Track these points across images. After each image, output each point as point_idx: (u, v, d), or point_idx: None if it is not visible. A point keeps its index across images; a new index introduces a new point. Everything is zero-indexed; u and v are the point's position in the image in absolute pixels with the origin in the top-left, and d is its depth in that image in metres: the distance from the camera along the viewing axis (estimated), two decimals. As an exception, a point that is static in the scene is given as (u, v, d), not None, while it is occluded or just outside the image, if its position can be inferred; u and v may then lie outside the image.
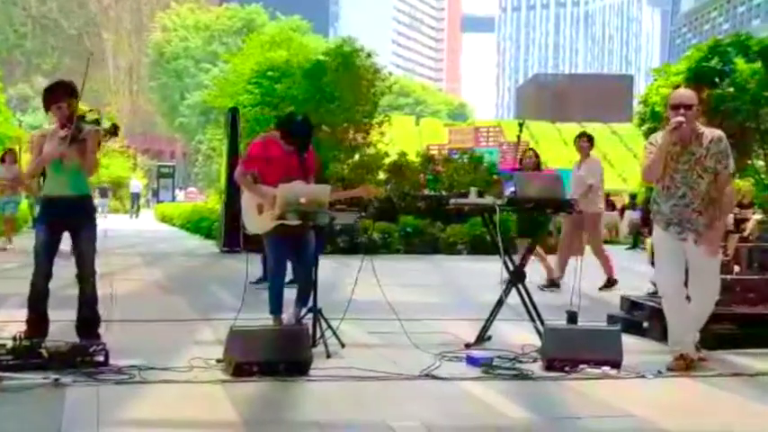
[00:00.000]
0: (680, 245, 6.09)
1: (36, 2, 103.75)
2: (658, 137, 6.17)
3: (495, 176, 25.10)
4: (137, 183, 50.84)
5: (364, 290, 7.20)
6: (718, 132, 6.11)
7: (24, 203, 20.51)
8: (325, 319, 6.61)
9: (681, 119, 5.88)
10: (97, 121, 6.47)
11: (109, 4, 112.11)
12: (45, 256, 6.29)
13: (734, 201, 6.13)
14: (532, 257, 10.23)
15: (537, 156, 12.05)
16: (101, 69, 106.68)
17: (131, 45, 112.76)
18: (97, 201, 47.50)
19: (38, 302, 6.30)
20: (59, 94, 6.36)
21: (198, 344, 6.73)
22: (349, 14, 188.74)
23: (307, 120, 7.14)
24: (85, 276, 6.38)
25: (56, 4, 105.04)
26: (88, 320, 6.37)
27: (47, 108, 6.44)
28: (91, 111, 6.65)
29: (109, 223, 32.68)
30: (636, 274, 12.84)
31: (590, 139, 12.02)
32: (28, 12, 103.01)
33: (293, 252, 7.03)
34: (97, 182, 54.09)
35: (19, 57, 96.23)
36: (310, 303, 6.72)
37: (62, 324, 6.45)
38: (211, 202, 34.23)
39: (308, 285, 6.92)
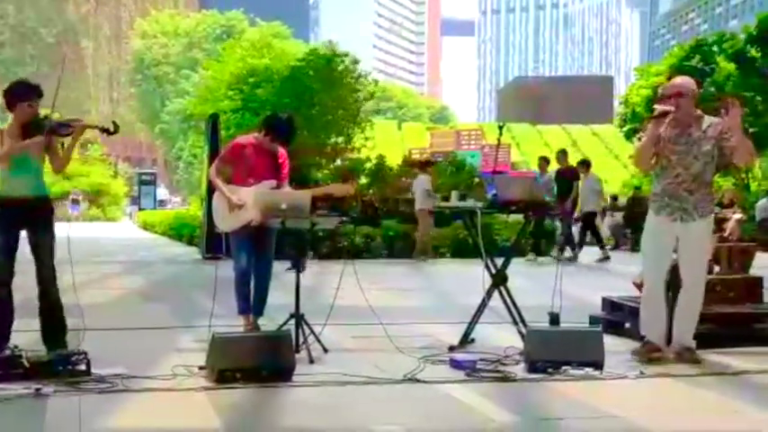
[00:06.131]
0: (670, 230, 6.23)
1: (14, 10, 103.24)
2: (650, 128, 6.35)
3: (476, 179, 25.19)
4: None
5: (347, 294, 7.20)
6: (720, 120, 6.22)
7: None
8: (308, 325, 6.60)
9: (666, 108, 6.02)
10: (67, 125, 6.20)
11: (88, 11, 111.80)
12: (5, 260, 5.99)
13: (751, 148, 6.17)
14: None
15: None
16: (80, 77, 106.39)
17: (111, 52, 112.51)
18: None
19: None
20: (31, 94, 6.06)
21: (180, 351, 6.70)
22: (329, 19, 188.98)
23: (291, 118, 7.38)
24: (46, 280, 6.10)
25: (33, 12, 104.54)
26: (54, 328, 6.13)
27: (11, 106, 6.06)
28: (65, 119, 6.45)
29: (93, 231, 32.57)
30: (617, 275, 12.88)
31: None
32: (5, 20, 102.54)
33: (254, 252, 7.11)
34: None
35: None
36: (291, 311, 6.71)
37: (36, 333, 6.27)
38: (193, 208, 34.16)
39: (265, 289, 7.11)
